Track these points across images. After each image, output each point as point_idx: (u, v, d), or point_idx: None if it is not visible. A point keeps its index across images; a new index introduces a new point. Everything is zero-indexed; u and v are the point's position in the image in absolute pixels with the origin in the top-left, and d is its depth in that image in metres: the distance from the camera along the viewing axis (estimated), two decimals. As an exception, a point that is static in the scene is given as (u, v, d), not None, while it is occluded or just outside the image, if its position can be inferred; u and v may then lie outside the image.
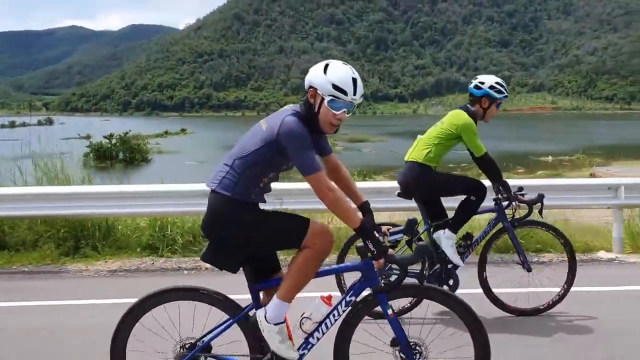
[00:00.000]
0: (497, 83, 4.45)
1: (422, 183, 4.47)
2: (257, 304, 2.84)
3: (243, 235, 2.77)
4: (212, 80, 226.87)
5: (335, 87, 2.67)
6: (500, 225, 4.62)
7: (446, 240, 4.46)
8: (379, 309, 2.78)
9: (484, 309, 4.46)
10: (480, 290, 4.61)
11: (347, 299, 2.81)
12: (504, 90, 4.46)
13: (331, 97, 2.68)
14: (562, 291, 4.64)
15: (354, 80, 2.73)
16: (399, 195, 4.63)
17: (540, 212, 4.62)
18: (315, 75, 2.72)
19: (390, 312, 2.75)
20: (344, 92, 2.68)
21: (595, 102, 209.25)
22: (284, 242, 2.88)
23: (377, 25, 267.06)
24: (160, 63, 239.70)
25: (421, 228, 4.58)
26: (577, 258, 4.71)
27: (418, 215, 4.42)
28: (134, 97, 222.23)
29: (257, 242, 2.80)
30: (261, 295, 2.90)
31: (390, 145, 57.57)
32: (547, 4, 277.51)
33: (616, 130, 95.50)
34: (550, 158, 56.09)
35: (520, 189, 4.59)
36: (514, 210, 4.54)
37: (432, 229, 4.56)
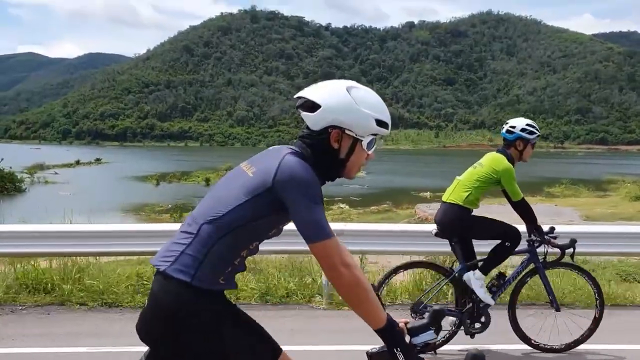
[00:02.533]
0: (527, 125, 4.62)
1: (462, 225, 4.61)
2: None
3: (203, 343, 1.93)
4: (157, 110, 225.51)
5: (379, 122, 2.02)
6: (532, 266, 4.77)
7: (476, 280, 4.58)
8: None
9: (514, 345, 4.84)
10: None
11: None
12: (535, 131, 4.62)
13: (372, 137, 2.04)
14: (587, 332, 4.83)
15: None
16: (436, 234, 4.75)
17: (572, 256, 4.71)
18: (344, 110, 1.97)
19: None
20: (387, 126, 2.06)
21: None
22: None
23: (326, 61, 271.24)
24: (105, 92, 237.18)
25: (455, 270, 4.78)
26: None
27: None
28: (75, 126, 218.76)
29: (215, 355, 1.96)
30: None
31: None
32: (492, 45, 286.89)
33: (534, 168, 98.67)
34: (428, 194, 57.21)
35: (552, 229, 4.71)
36: (545, 252, 4.70)
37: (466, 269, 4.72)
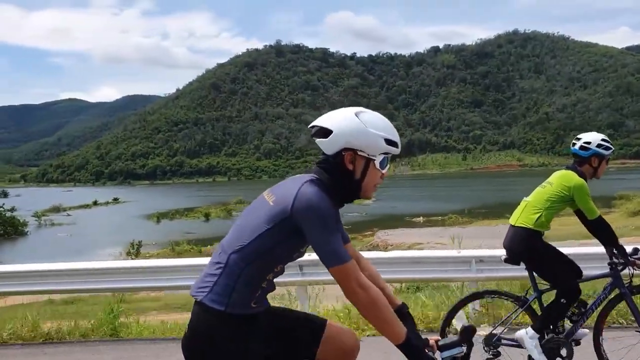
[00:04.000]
0: (603, 140, 4.32)
1: (532, 250, 4.27)
2: None
3: None
4: (186, 147, 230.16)
5: (388, 142, 2.15)
6: (616, 291, 4.31)
7: (530, 340, 4.24)
8: None
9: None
10: None
11: None
12: (611, 146, 4.36)
13: (383, 156, 2.17)
14: None
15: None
16: (505, 261, 4.43)
17: None
18: (355, 132, 2.11)
19: None
20: (396, 145, 2.19)
21: (563, 158, 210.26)
22: None
23: (352, 90, 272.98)
24: (137, 133, 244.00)
25: (530, 296, 4.40)
26: None
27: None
28: (107, 167, 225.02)
29: None
30: None
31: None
32: (519, 65, 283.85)
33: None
34: (421, 219, 56.41)
35: (637, 250, 4.21)
36: (631, 275, 4.25)
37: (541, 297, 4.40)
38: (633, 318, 4.32)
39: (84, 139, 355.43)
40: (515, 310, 4.42)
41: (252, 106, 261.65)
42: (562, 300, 4.17)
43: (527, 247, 4.23)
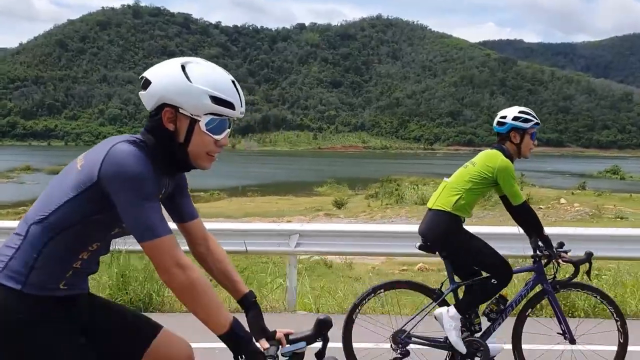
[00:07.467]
0: (520, 112, 3.85)
1: (449, 236, 3.81)
2: None
3: (38, 357, 1.75)
4: (22, 107, 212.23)
5: (215, 99, 1.78)
6: (539, 287, 3.90)
7: (449, 320, 3.78)
8: None
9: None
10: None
11: None
12: (531, 118, 3.84)
13: (211, 117, 1.80)
14: None
15: (234, 83, 1.86)
16: (420, 248, 3.97)
17: (588, 273, 3.83)
18: (172, 85, 1.77)
19: None
20: (230, 105, 1.81)
21: (404, 142, 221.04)
22: None
23: (212, 59, 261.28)
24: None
25: (445, 289, 3.95)
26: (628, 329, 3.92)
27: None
28: None
29: None
30: None
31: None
32: (379, 49, 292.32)
33: (354, 168, 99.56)
34: (202, 194, 55.25)
35: (562, 244, 3.80)
36: (555, 270, 3.83)
37: (458, 290, 3.95)
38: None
39: None
40: (429, 305, 3.96)
41: (102, 68, 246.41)
42: (493, 280, 3.74)
43: (444, 232, 3.79)
